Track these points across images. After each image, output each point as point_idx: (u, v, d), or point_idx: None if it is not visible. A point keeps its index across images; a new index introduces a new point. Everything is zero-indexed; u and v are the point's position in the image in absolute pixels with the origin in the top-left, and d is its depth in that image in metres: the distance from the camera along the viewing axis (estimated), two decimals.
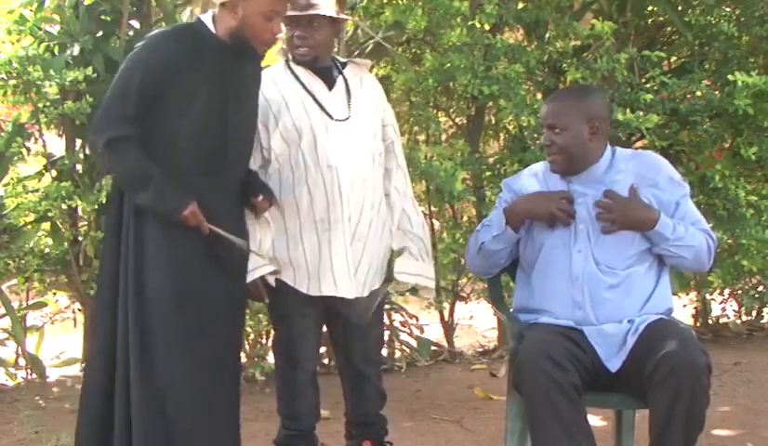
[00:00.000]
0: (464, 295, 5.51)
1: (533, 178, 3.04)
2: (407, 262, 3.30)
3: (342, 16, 3.24)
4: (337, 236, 3.09)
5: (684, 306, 5.77)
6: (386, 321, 4.81)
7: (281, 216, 3.12)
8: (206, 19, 2.94)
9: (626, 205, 2.83)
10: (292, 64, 3.19)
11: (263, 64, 3.12)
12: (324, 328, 3.33)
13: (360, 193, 3.13)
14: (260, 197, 3.03)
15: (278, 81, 3.17)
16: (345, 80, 3.21)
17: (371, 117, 3.21)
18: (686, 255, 2.86)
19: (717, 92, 4.97)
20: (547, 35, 5.19)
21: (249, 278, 3.09)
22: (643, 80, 5.06)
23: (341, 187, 3.08)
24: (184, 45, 2.87)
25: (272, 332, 4.90)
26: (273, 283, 3.13)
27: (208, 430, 2.90)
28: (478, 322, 6.16)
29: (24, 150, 4.81)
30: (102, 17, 4.92)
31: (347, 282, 3.10)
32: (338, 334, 3.31)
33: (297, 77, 3.16)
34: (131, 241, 2.86)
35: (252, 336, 4.95)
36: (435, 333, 5.53)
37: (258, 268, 3.10)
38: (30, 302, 5.08)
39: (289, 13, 3.11)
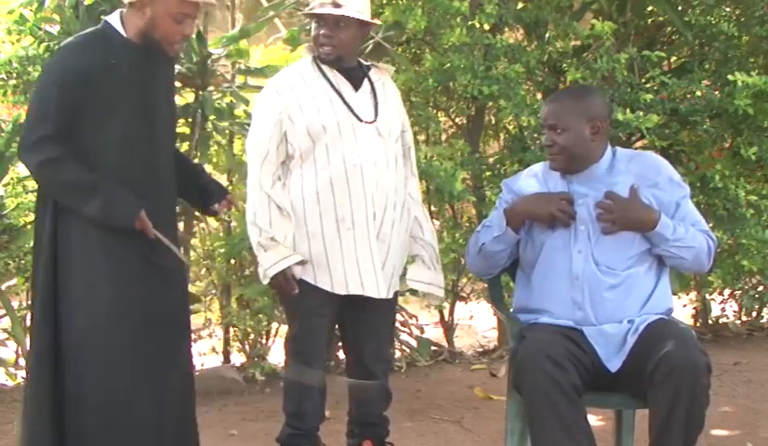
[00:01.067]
0: (464, 295, 5.51)
1: (533, 179, 3.04)
2: (420, 270, 3.31)
3: (370, 20, 3.22)
4: (362, 236, 3.11)
5: (684, 306, 5.77)
6: None
7: (302, 212, 3.12)
8: (114, 20, 2.82)
9: (626, 206, 2.82)
10: (319, 61, 3.19)
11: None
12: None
13: (384, 194, 3.15)
14: (216, 204, 3.06)
15: (305, 76, 3.18)
16: (371, 82, 3.22)
17: (394, 121, 3.24)
18: (686, 256, 2.86)
19: (717, 92, 4.97)
20: (547, 35, 5.18)
21: (275, 269, 3.09)
22: (643, 80, 5.06)
23: (366, 186, 3.10)
24: (96, 54, 2.76)
25: (271, 332, 4.96)
26: (299, 276, 3.13)
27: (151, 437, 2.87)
28: (478, 322, 6.16)
29: None
30: (102, 17, 4.91)
31: (373, 281, 3.12)
32: (350, 333, 3.32)
33: (324, 75, 3.17)
34: (59, 252, 2.78)
35: (252, 336, 4.95)
36: (435, 333, 5.53)
37: (284, 259, 3.10)
38: (30, 302, 5.07)
39: (317, 11, 3.12)
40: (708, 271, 2.94)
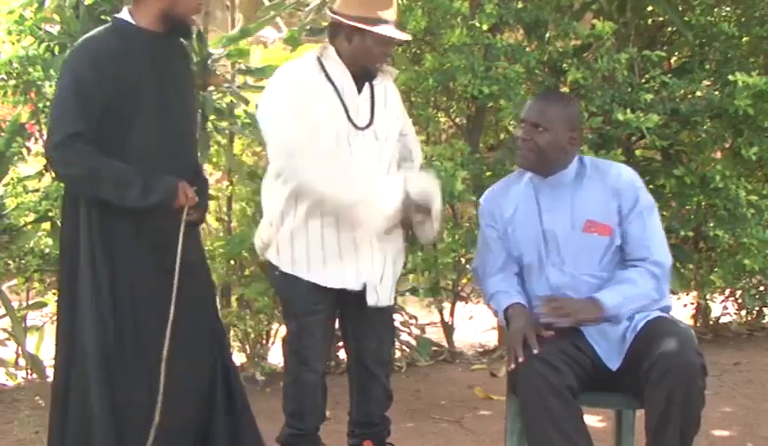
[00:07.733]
0: (464, 295, 5.51)
1: (506, 199, 3.01)
2: (411, 174, 3.27)
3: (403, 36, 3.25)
4: (361, 238, 3.11)
5: (685, 306, 5.77)
6: None
7: (303, 211, 3.12)
8: (125, 15, 2.80)
9: (570, 302, 2.80)
10: (324, 62, 3.17)
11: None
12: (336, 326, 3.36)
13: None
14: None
15: (308, 76, 3.15)
16: (371, 86, 3.22)
17: (391, 125, 3.24)
18: (645, 305, 2.82)
19: (717, 92, 4.98)
20: (547, 35, 5.19)
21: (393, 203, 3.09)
22: (644, 80, 5.06)
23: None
24: (113, 43, 2.74)
25: (271, 332, 4.96)
26: None
27: None
28: (478, 322, 6.15)
29: (24, 150, 4.81)
30: (102, 17, 4.90)
31: (372, 284, 3.14)
32: (351, 334, 3.32)
33: (328, 77, 3.16)
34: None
35: (252, 336, 4.95)
36: (435, 333, 5.54)
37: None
38: (30, 302, 5.07)
39: (392, 34, 3.10)
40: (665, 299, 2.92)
